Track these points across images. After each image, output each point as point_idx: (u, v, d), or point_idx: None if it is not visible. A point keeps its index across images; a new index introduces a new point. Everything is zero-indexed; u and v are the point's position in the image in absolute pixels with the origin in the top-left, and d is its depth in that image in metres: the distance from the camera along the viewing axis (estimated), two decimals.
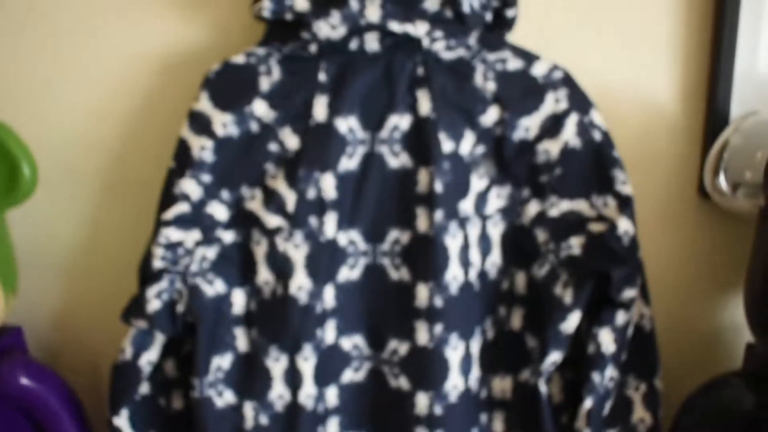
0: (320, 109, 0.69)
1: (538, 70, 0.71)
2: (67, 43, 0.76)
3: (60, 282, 0.82)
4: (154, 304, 0.69)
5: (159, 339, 0.72)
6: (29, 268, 0.79)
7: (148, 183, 0.75)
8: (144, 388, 0.74)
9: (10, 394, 0.75)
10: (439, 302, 0.71)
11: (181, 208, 0.70)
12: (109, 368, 0.73)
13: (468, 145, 0.71)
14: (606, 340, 0.70)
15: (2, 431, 0.76)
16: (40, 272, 0.80)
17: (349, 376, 0.75)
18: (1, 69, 0.77)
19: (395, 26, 0.67)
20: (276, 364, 0.72)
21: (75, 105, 0.77)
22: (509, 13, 0.70)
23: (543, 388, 0.72)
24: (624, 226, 0.70)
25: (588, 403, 0.71)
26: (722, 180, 0.69)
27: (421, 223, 0.70)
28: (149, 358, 0.72)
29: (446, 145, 0.70)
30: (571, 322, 0.70)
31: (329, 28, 0.67)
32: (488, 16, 0.70)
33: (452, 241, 0.70)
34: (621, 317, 0.70)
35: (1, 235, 0.75)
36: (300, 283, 0.70)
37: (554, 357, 0.71)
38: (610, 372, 0.72)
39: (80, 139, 0.77)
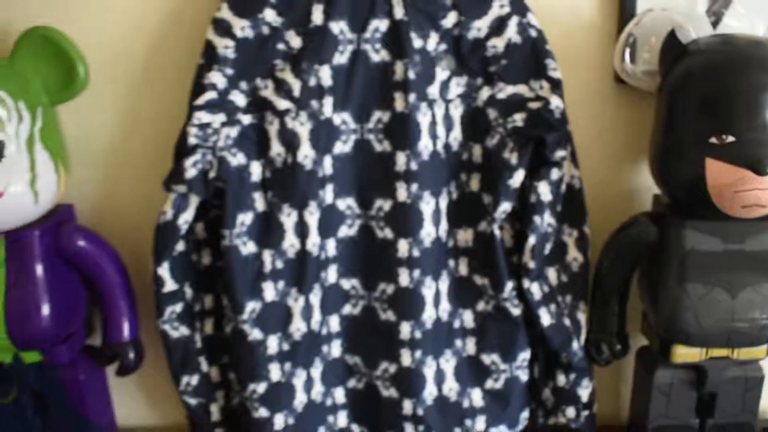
0: (317, 15, 0.93)
1: None
2: None
3: (101, 170, 1.04)
4: (191, 172, 0.93)
5: (194, 202, 0.95)
6: (75, 156, 1.01)
7: (176, 82, 0.99)
8: (180, 246, 0.98)
9: (68, 253, 0.97)
10: (414, 166, 0.96)
11: (209, 95, 0.93)
12: (150, 233, 0.96)
13: (433, 42, 0.95)
14: (544, 191, 0.96)
15: (60, 284, 0.97)
16: (84, 160, 1.03)
17: (344, 231, 1.00)
18: None
19: None
20: (288, 219, 0.96)
21: (114, 17, 0.98)
22: None
23: (497, 232, 0.97)
24: (555, 102, 0.95)
25: (531, 240, 0.97)
26: (628, 64, 0.96)
27: (399, 104, 0.95)
28: (186, 218, 0.96)
29: (416, 42, 0.94)
30: (517, 178, 0.96)
31: None
32: None
33: (423, 118, 0.95)
34: (555, 173, 0.96)
35: (56, 124, 0.97)
36: (305, 153, 0.95)
37: (504, 206, 0.97)
38: (548, 218, 0.98)
39: (118, 44, 0.98)
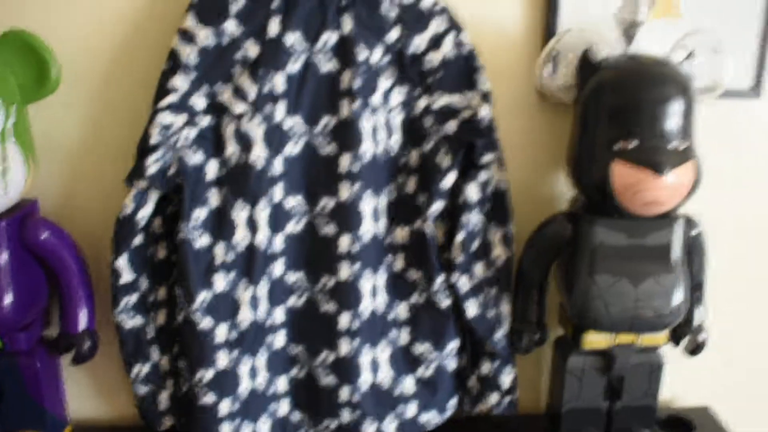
0: (274, 27, 1.03)
1: (426, 2, 1.05)
2: None
3: (65, 165, 1.11)
4: (152, 169, 1.02)
5: (153, 197, 1.03)
6: (41, 151, 1.07)
7: (139, 85, 1.07)
8: (138, 240, 1.06)
9: (31, 244, 1.03)
10: (356, 167, 1.05)
11: (171, 98, 1.02)
12: (109, 228, 1.03)
13: (377, 55, 1.06)
14: (472, 191, 1.07)
15: (23, 274, 1.02)
16: (50, 155, 1.09)
17: (291, 227, 1.09)
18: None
19: None
20: (240, 214, 1.05)
21: (83, 22, 1.05)
22: None
23: (429, 229, 1.07)
24: (484, 112, 1.07)
25: (459, 236, 1.08)
26: (548, 79, 1.09)
27: (344, 111, 1.05)
28: (145, 213, 1.04)
29: (362, 54, 1.04)
30: (449, 180, 1.06)
31: None
32: None
33: (366, 124, 1.06)
34: (482, 175, 1.08)
35: (27, 122, 1.04)
36: (258, 153, 1.04)
37: (437, 206, 1.07)
38: (475, 217, 1.09)
39: (87, 49, 1.06)
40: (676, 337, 1.14)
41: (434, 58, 1.06)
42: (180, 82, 1.02)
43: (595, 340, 1.09)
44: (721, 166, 1.18)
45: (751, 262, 1.25)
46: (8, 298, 1.00)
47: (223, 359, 1.06)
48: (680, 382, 1.27)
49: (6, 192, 0.98)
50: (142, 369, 1.10)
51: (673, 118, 0.99)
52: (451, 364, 1.14)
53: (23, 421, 1.09)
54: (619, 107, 0.99)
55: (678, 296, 1.05)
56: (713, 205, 1.17)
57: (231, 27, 1.02)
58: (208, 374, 1.06)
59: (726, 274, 1.21)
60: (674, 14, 1.11)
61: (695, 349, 1.14)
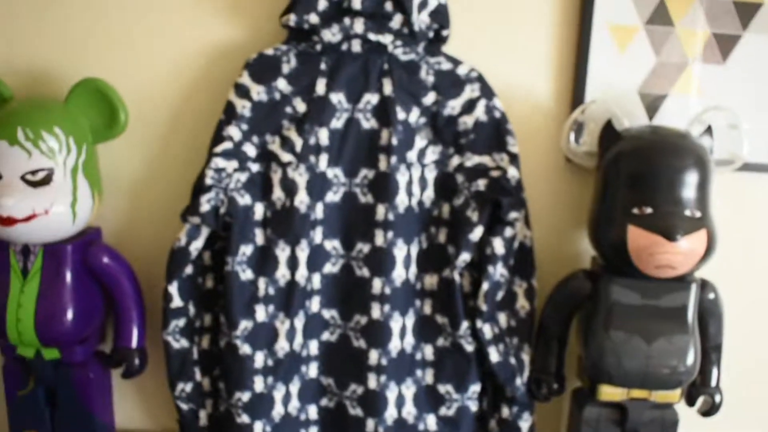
0: (321, 86, 1.14)
1: (461, 70, 1.16)
2: (145, 32, 1.18)
3: (127, 199, 1.24)
4: (205, 207, 1.13)
5: (204, 232, 1.15)
6: (106, 186, 1.20)
7: (196, 132, 1.19)
8: (188, 269, 1.17)
9: (93, 268, 1.16)
10: (391, 217, 1.15)
11: (226, 145, 1.14)
12: (163, 257, 1.14)
13: (414, 116, 1.16)
14: (497, 245, 1.15)
15: (84, 293, 1.15)
16: (114, 190, 1.22)
17: (328, 267, 1.19)
18: (101, 51, 1.20)
19: (372, 36, 1.13)
20: (282, 252, 1.15)
21: (150, 74, 1.19)
22: (444, 32, 1.15)
23: (456, 277, 1.16)
24: (512, 172, 1.15)
25: (484, 286, 1.15)
26: (573, 145, 1.17)
27: (382, 165, 1.15)
28: (197, 245, 1.15)
29: (400, 115, 1.14)
30: (476, 233, 1.15)
31: (331, 34, 1.13)
32: (431, 34, 1.15)
33: (401, 178, 1.15)
34: (508, 231, 1.15)
35: (95, 159, 1.18)
36: (302, 199, 1.14)
37: (464, 256, 1.16)
38: (500, 269, 1.17)
39: (153, 98, 1.19)
40: (691, 398, 1.18)
41: (467, 121, 1.15)
42: (234, 131, 1.13)
43: (610, 392, 1.15)
44: (743, 236, 1.23)
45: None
46: (69, 314, 1.12)
47: (259, 383, 1.16)
48: None
49: (74, 221, 1.10)
50: (185, 387, 1.20)
51: (687, 187, 1.05)
52: (473, 406, 1.21)
53: (74, 427, 1.21)
54: (637, 175, 1.07)
55: (690, 356, 1.10)
56: (731, 272, 1.22)
57: (282, 85, 1.13)
58: (244, 396, 1.15)
59: (742, 342, 1.25)
60: (695, 92, 1.18)
61: (710, 410, 1.19)
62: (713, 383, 1.18)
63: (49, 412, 1.21)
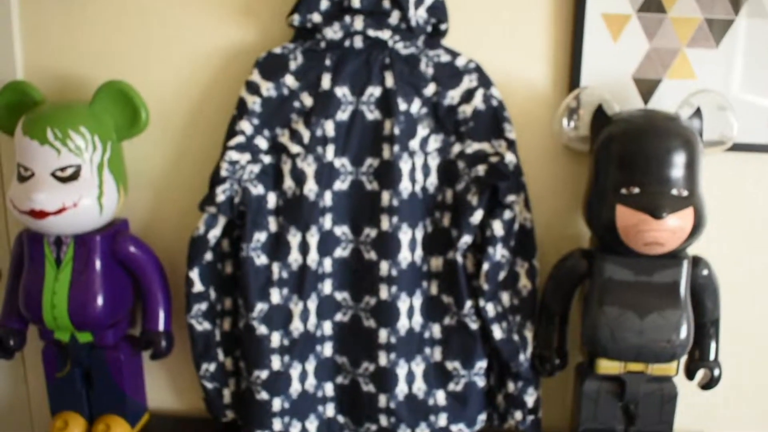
0: (326, 81, 1.22)
1: (460, 61, 1.23)
2: (164, 36, 1.28)
3: (151, 192, 1.34)
4: (220, 197, 1.22)
5: (221, 221, 1.24)
6: (132, 180, 1.30)
7: (213, 128, 1.28)
8: (208, 256, 1.27)
9: (121, 256, 1.26)
10: (395, 202, 1.22)
11: (239, 139, 1.23)
12: (185, 245, 1.25)
13: (416, 107, 1.23)
14: (497, 227, 1.22)
15: (113, 280, 1.25)
16: (138, 184, 1.32)
17: (339, 252, 1.27)
18: (123, 55, 1.31)
19: (371, 32, 1.20)
20: (293, 238, 1.24)
21: (169, 76, 1.29)
22: (442, 26, 1.22)
23: (459, 259, 1.23)
24: (509, 157, 1.22)
25: (485, 266, 1.22)
26: (566, 130, 1.23)
27: (386, 153, 1.22)
28: (215, 234, 1.25)
29: (402, 106, 1.22)
30: (477, 216, 1.21)
31: (332, 32, 1.20)
32: (429, 29, 1.22)
33: (404, 165, 1.22)
34: (507, 214, 1.22)
35: (121, 156, 1.28)
36: (310, 187, 1.23)
37: (466, 239, 1.23)
38: (501, 250, 1.23)
39: (173, 98, 1.29)
40: (690, 371, 1.24)
41: (466, 110, 1.22)
42: (246, 126, 1.22)
43: (607, 366, 1.21)
44: (738, 215, 1.28)
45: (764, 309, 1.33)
46: (100, 300, 1.23)
47: (276, 362, 1.25)
48: (708, 415, 1.36)
49: (101, 213, 1.21)
50: (209, 368, 1.30)
51: (674, 167, 1.11)
52: (480, 382, 1.28)
53: (109, 405, 1.31)
54: (625, 156, 1.13)
55: (683, 330, 1.16)
56: (727, 250, 1.27)
57: (289, 81, 1.22)
58: (263, 374, 1.25)
59: (736, 321, 1.30)
60: (689, 76, 1.23)
61: (709, 383, 1.24)
62: (712, 357, 1.24)
63: (85, 392, 1.32)
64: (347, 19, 1.18)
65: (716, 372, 1.24)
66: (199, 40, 1.28)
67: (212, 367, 1.30)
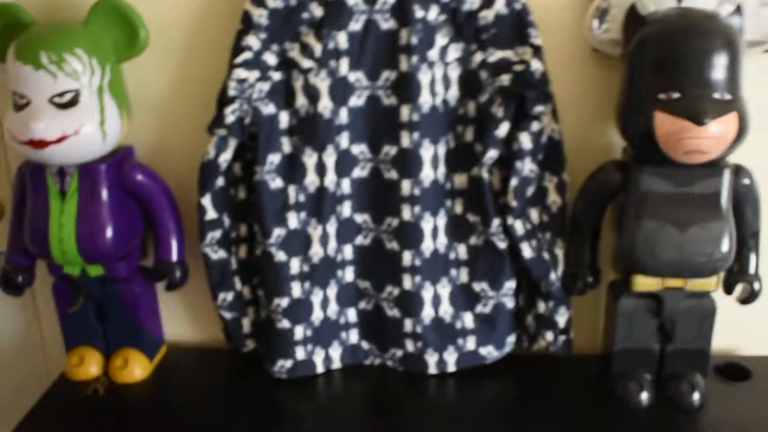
0: None
1: None
2: None
3: (156, 116, 1.27)
4: (230, 118, 1.15)
5: (232, 144, 1.17)
6: (135, 105, 1.24)
7: (218, 45, 1.20)
8: (220, 181, 1.21)
9: (128, 185, 1.20)
10: (416, 117, 1.16)
11: (246, 55, 1.15)
12: (195, 170, 1.19)
13: (433, 14, 1.15)
14: (524, 140, 1.16)
15: (121, 210, 1.19)
16: (142, 108, 1.25)
17: (357, 172, 1.21)
18: None
19: None
20: (309, 159, 1.18)
21: None
22: None
23: (485, 175, 1.17)
24: (536, 65, 1.15)
25: (513, 182, 1.17)
26: (597, 33, 1.16)
27: (403, 65, 1.15)
28: (226, 157, 1.18)
29: (418, 13, 1.13)
30: (503, 129, 1.15)
31: None
32: None
33: (424, 77, 1.16)
34: (535, 125, 1.16)
35: (121, 77, 1.20)
36: (325, 104, 1.16)
37: (491, 153, 1.17)
38: (529, 164, 1.17)
39: (173, 12, 1.20)
40: (729, 286, 1.19)
41: (487, 15, 1.14)
42: (253, 41, 1.15)
43: (644, 282, 1.16)
44: None
45: None
46: (109, 232, 1.17)
47: (296, 289, 1.21)
48: (747, 333, 1.32)
49: (104, 139, 1.15)
50: (226, 297, 1.26)
51: (716, 69, 1.03)
52: (509, 303, 1.24)
53: (125, 339, 1.28)
54: (663, 59, 1.05)
55: (725, 243, 1.10)
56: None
57: None
58: (283, 302, 1.20)
59: None
60: None
61: (748, 297, 1.19)
62: (752, 270, 1.19)
63: (100, 326, 1.28)
64: None
65: (756, 286, 1.19)
66: None
67: (230, 296, 1.26)
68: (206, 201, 1.19)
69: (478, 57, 1.16)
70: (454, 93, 1.17)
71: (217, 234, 1.22)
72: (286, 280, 1.19)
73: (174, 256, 1.24)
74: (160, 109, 1.27)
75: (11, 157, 1.32)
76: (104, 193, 1.18)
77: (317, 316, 1.22)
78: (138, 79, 1.24)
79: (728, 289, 1.19)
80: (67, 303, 1.26)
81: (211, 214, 1.20)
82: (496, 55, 1.15)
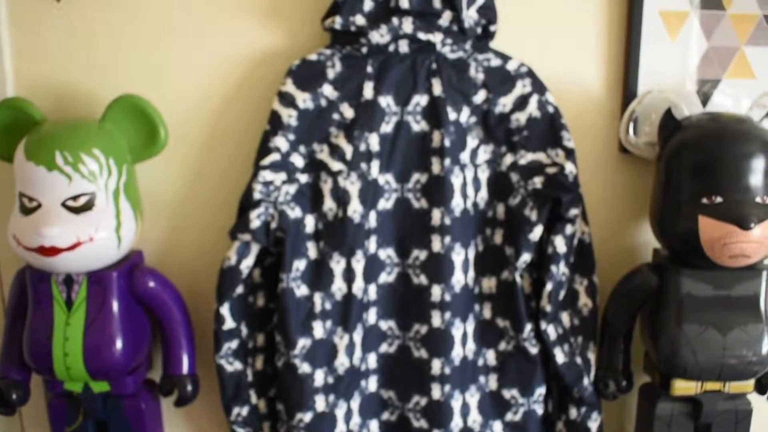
0: (368, 90, 1.12)
1: (511, 66, 1.14)
2: (178, 43, 1.15)
3: (167, 218, 1.20)
4: (255, 223, 1.10)
5: (255, 249, 1.12)
6: (145, 206, 1.17)
7: (236, 144, 1.16)
8: (239, 289, 1.14)
9: (140, 293, 1.13)
10: (447, 221, 1.13)
11: (274, 157, 1.11)
12: (207, 276, 1.12)
13: (465, 116, 1.14)
14: (559, 243, 1.14)
15: (131, 321, 1.12)
16: (153, 209, 1.19)
17: (383, 277, 1.17)
18: (133, 65, 1.17)
19: (421, 35, 1.10)
20: (337, 265, 1.13)
21: (185, 90, 1.16)
22: (492, 28, 1.12)
23: (518, 279, 1.15)
24: (569, 167, 1.14)
25: (549, 286, 1.14)
26: (632, 137, 1.16)
27: (435, 168, 1.13)
28: (248, 263, 1.12)
29: (451, 115, 1.12)
30: (536, 232, 1.13)
31: (379, 36, 1.10)
32: (479, 30, 1.13)
33: (456, 180, 1.13)
34: (569, 228, 1.14)
35: (135, 179, 1.14)
36: (355, 208, 1.12)
37: (525, 257, 1.14)
38: (563, 268, 1.15)
39: (190, 111, 1.16)
40: (762, 386, 1.18)
41: (520, 118, 1.13)
42: (281, 142, 1.11)
43: (683, 386, 1.14)
44: None
45: None
46: (119, 344, 1.10)
47: (321, 403, 1.14)
48: None
49: (119, 246, 1.07)
50: (241, 411, 1.18)
51: (755, 173, 1.05)
52: (539, 410, 1.19)
53: None
54: (703, 164, 1.06)
55: (765, 345, 1.10)
56: None
57: (328, 91, 1.11)
58: (306, 417, 1.13)
59: None
60: (748, 75, 1.17)
61: None
62: None
63: None
64: (395, 21, 1.08)
65: None
66: (219, 46, 1.17)
67: (245, 410, 1.18)
68: (225, 310, 1.13)
69: (508, 159, 1.15)
70: (483, 195, 1.16)
71: (233, 344, 1.15)
72: (311, 393, 1.13)
73: (185, 369, 1.17)
74: (171, 211, 1.21)
75: (4, 260, 1.21)
76: (115, 303, 1.10)
77: (340, 430, 1.16)
78: (148, 177, 1.17)
79: (761, 390, 1.18)
80: (65, 422, 1.16)
81: (229, 323, 1.14)
82: (527, 158, 1.14)
